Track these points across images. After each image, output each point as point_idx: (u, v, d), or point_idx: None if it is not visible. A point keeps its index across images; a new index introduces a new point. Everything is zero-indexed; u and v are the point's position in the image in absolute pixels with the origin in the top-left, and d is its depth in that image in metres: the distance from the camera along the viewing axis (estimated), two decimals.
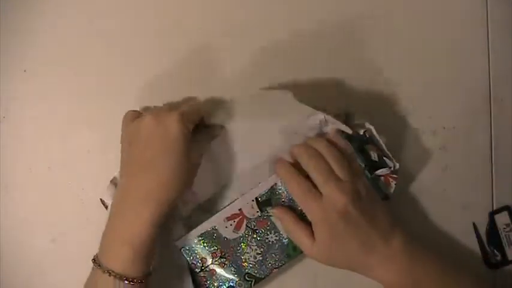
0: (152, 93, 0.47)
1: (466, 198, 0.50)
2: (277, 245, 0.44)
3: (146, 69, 0.47)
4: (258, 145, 0.45)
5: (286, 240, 0.44)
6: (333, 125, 0.45)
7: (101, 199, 0.45)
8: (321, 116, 0.44)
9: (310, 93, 0.47)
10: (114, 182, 0.45)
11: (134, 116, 0.41)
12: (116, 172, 0.47)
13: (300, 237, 0.42)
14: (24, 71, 0.47)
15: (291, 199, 0.44)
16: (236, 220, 0.44)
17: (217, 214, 0.44)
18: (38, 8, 0.47)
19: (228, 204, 0.45)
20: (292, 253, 0.45)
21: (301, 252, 0.44)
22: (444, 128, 0.50)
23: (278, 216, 0.44)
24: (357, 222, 0.41)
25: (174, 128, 0.39)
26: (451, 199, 0.50)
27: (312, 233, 0.42)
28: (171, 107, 0.45)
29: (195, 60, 0.48)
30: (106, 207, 0.44)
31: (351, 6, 0.49)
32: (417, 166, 0.49)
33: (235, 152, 0.45)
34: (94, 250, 0.46)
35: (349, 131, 0.45)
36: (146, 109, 0.45)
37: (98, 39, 0.47)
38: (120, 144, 0.42)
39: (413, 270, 0.42)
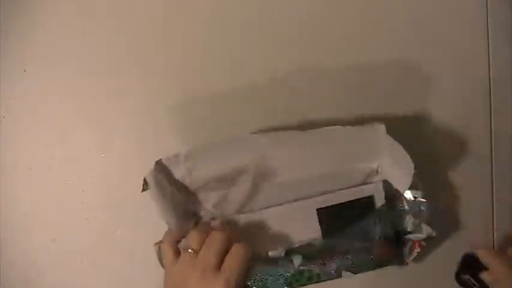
0: (152, 92, 0.47)
1: (466, 198, 0.51)
2: (282, 273, 0.44)
3: (146, 68, 0.47)
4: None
5: (291, 271, 0.44)
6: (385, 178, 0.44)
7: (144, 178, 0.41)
8: (374, 164, 0.44)
9: None
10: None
11: (174, 254, 0.40)
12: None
13: None
14: (24, 71, 0.47)
15: None
16: None
17: None
18: (38, 8, 0.46)
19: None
20: (294, 283, 0.44)
21: (302, 285, 0.44)
22: (444, 128, 0.50)
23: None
24: None
25: None
26: (451, 199, 0.50)
27: None
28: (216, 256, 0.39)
29: (195, 58, 0.48)
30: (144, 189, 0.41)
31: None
32: (417, 166, 0.49)
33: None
34: (94, 250, 0.46)
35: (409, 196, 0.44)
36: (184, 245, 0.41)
37: (98, 39, 0.47)
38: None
39: None
